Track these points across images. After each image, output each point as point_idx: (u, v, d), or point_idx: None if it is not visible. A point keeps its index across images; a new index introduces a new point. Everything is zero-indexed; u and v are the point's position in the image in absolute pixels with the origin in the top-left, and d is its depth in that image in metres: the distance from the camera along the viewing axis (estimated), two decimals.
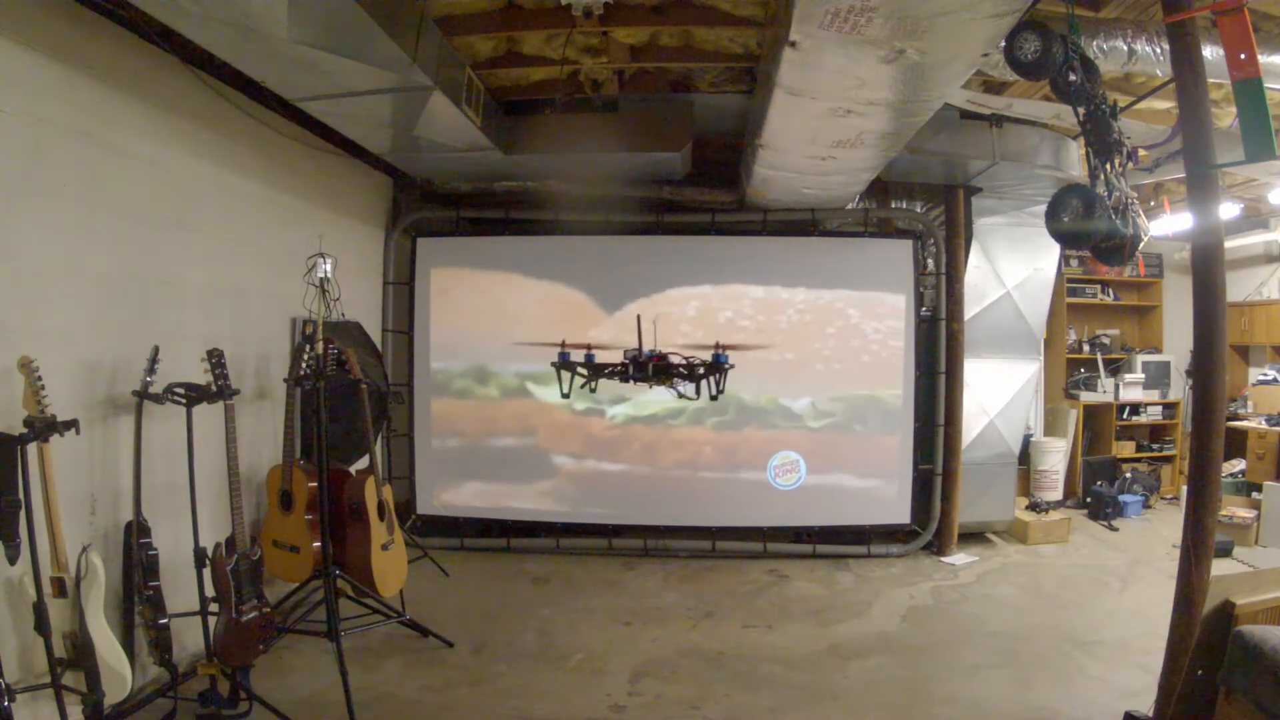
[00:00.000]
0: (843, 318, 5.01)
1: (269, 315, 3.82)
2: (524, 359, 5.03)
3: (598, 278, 5.07)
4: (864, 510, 5.02)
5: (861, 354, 5.01)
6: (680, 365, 3.30)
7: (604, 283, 5.07)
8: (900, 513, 5.04)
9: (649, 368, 3.23)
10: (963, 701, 3.07)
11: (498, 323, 5.08)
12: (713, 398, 3.36)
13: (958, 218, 5.07)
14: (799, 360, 4.99)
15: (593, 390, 3.43)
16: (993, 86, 3.92)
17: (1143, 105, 3.59)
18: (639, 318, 3.39)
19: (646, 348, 3.31)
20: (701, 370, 3.30)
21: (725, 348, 3.31)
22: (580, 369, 3.33)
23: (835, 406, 5.00)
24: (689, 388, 3.39)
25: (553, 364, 3.35)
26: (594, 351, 3.32)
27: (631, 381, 3.34)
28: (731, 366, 3.33)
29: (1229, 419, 5.39)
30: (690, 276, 5.03)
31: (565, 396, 3.38)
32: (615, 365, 3.29)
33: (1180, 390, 6.72)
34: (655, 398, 4.90)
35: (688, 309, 5.01)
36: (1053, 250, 5.25)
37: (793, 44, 2.36)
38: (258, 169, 3.72)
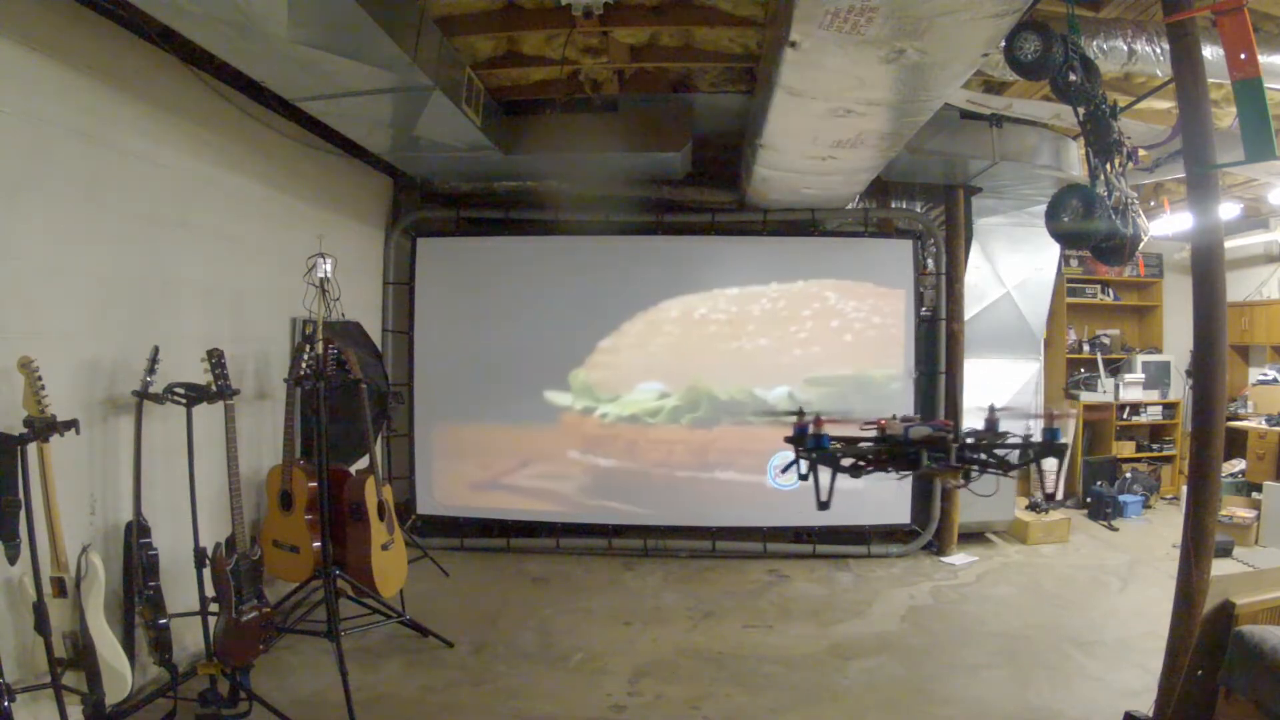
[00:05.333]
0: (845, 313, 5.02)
1: (269, 315, 3.82)
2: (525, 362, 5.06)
3: (597, 277, 5.08)
4: (864, 510, 5.02)
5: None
6: (996, 447, 2.15)
7: (603, 283, 5.08)
8: (900, 513, 5.04)
9: (952, 454, 2.08)
10: (963, 701, 3.07)
11: (499, 324, 5.09)
12: (1049, 498, 2.32)
13: (958, 218, 5.07)
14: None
15: (802, 476, 2.20)
16: (993, 86, 3.92)
17: (1143, 105, 3.59)
18: (949, 375, 2.24)
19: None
20: (1029, 454, 2.16)
21: (1055, 418, 2.16)
22: (843, 457, 2.15)
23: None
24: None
25: (802, 456, 2.16)
26: (805, 423, 2.16)
27: (913, 472, 2.16)
28: (1067, 445, 2.20)
29: (1229, 419, 5.39)
30: (692, 281, 5.05)
31: (824, 506, 2.14)
32: (877, 446, 2.14)
33: (1180, 390, 6.72)
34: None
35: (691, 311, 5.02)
36: (1053, 250, 5.26)
37: (793, 44, 2.36)
38: (258, 169, 3.71)
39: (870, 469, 2.18)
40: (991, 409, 2.20)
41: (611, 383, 5.04)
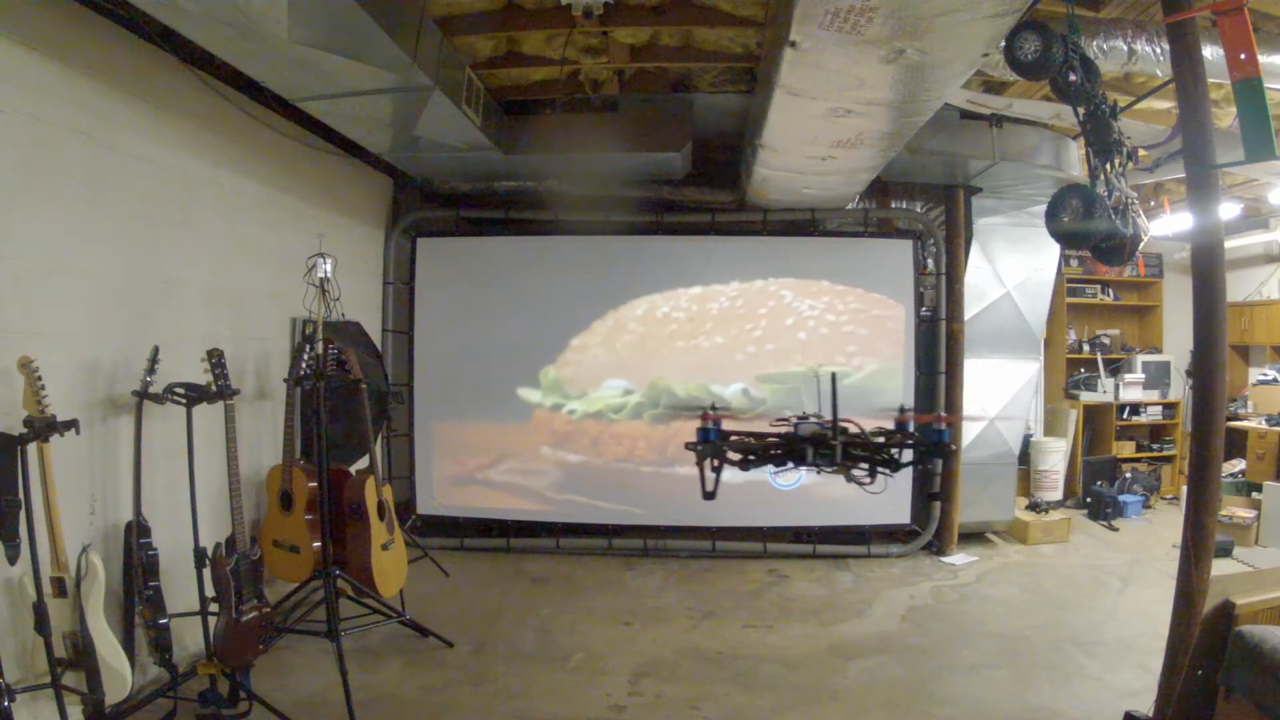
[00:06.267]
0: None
1: (269, 315, 3.82)
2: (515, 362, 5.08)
3: (596, 277, 5.09)
4: (864, 510, 5.01)
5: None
6: (882, 446, 2.21)
7: (601, 282, 5.08)
8: (900, 513, 5.03)
9: (838, 452, 2.16)
10: (963, 701, 3.07)
11: (498, 324, 5.09)
12: (932, 496, 2.39)
13: (958, 218, 5.07)
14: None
15: (716, 470, 2.30)
16: (993, 86, 3.92)
17: (1143, 105, 3.59)
18: (834, 376, 2.23)
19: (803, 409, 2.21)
20: (910, 456, 2.23)
21: (944, 420, 2.30)
22: (733, 451, 2.24)
23: None
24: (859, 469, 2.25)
25: (691, 447, 2.27)
26: (720, 418, 2.27)
27: (800, 467, 2.24)
28: (954, 449, 2.37)
29: (1229, 419, 5.39)
30: (688, 276, 5.05)
31: (709, 496, 2.24)
32: (778, 440, 2.23)
33: (1180, 390, 6.72)
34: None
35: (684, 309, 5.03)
36: (1053, 250, 5.25)
37: (793, 44, 2.36)
38: (258, 169, 3.71)
39: (756, 463, 2.26)
40: (901, 409, 2.26)
41: (580, 380, 5.07)
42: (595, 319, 5.06)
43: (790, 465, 2.24)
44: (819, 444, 2.17)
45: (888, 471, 2.23)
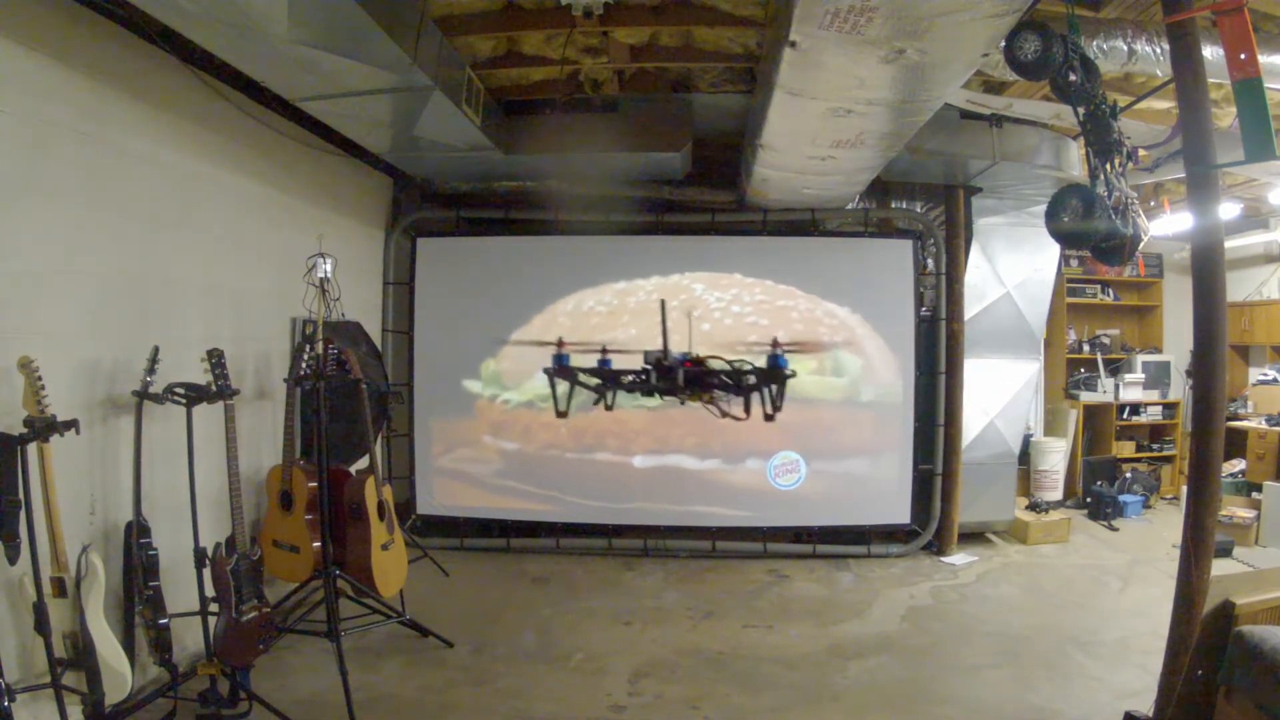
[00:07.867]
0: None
1: (269, 315, 3.82)
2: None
3: (595, 276, 5.09)
4: (864, 510, 5.02)
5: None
6: (721, 373, 2.41)
7: (600, 281, 5.08)
8: (900, 513, 5.04)
9: (679, 375, 2.37)
10: (963, 701, 3.07)
11: (498, 323, 5.09)
12: (768, 417, 2.40)
13: (958, 218, 5.07)
14: None
15: (608, 407, 2.55)
16: (993, 86, 3.92)
17: (1143, 105, 3.59)
18: (663, 304, 2.52)
19: (677, 348, 2.42)
20: (753, 380, 2.40)
21: (783, 347, 2.38)
22: (583, 378, 2.49)
23: None
24: (736, 404, 2.45)
25: (546, 371, 2.51)
26: (609, 357, 2.53)
27: (657, 395, 2.47)
28: (793, 374, 2.38)
29: (1229, 419, 5.39)
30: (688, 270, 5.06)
31: (562, 415, 2.53)
32: (632, 372, 2.45)
33: (1180, 390, 6.72)
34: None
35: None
36: (1053, 250, 5.25)
37: (793, 44, 2.36)
38: (258, 169, 3.71)
39: (606, 388, 2.51)
40: (775, 342, 2.37)
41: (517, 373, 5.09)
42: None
43: (642, 392, 2.48)
44: (662, 371, 2.38)
45: (725, 397, 2.41)
